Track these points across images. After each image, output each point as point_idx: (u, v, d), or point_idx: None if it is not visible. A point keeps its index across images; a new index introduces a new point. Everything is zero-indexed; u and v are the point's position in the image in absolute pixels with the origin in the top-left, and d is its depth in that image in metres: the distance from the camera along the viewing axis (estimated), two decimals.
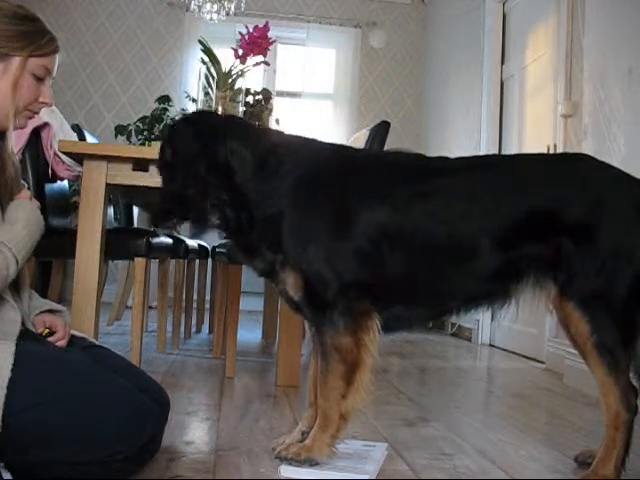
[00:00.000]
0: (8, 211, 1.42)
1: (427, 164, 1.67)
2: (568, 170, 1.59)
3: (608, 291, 1.48)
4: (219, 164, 1.55)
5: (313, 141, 1.67)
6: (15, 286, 1.45)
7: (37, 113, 1.52)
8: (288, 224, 1.53)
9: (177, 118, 1.71)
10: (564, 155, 1.82)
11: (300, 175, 1.56)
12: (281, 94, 5.93)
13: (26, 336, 1.41)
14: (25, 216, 1.42)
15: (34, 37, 1.41)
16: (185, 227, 4.89)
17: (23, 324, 1.44)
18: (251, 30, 2.86)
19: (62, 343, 1.53)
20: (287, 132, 1.69)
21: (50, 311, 1.57)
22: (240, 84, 2.91)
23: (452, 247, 1.53)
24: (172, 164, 1.59)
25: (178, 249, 3.26)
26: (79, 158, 2.48)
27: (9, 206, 1.43)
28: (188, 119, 1.65)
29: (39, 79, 1.44)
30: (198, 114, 1.71)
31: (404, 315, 1.61)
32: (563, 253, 1.50)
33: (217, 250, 3.13)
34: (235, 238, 1.63)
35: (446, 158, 1.69)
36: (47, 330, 1.52)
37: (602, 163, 1.62)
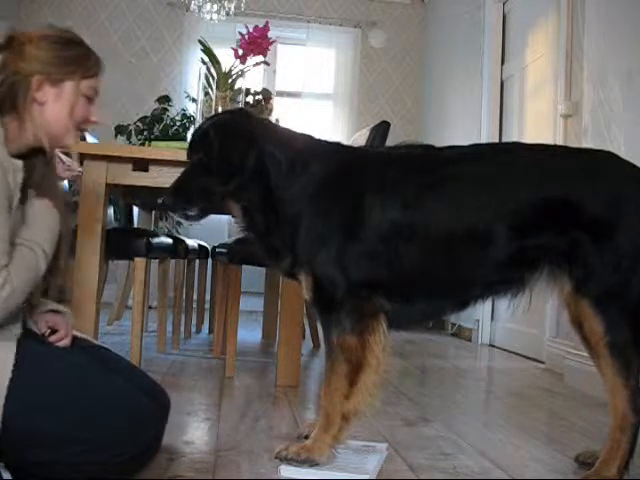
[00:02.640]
0: (30, 212, 1.43)
1: (438, 154, 1.65)
2: (590, 164, 1.58)
3: (624, 290, 1.48)
4: (259, 171, 1.55)
5: (334, 144, 1.68)
6: None
7: (85, 131, 1.54)
8: (303, 225, 1.54)
9: (222, 114, 1.72)
10: (588, 150, 1.81)
11: (319, 178, 1.57)
12: (281, 94, 5.93)
13: (28, 336, 1.41)
14: (47, 216, 1.44)
15: (83, 60, 1.45)
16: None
17: (25, 324, 1.44)
18: (251, 30, 2.86)
19: (65, 342, 1.53)
20: (314, 135, 1.69)
21: (52, 311, 1.57)
22: (240, 84, 2.91)
23: (469, 236, 1.52)
24: (213, 160, 1.58)
25: (178, 249, 3.26)
26: (79, 158, 2.48)
27: (31, 207, 1.44)
28: (234, 122, 1.64)
29: (89, 99, 1.48)
30: (243, 117, 1.70)
31: (426, 309, 1.61)
32: (580, 248, 1.49)
33: (217, 250, 3.13)
34: (261, 240, 1.64)
35: (458, 146, 1.68)
36: (49, 330, 1.53)
37: (626, 161, 1.61)
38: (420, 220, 1.52)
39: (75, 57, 1.43)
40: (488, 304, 4.10)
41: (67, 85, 1.42)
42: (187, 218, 1.66)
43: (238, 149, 1.56)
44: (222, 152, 1.57)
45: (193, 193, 1.61)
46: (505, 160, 1.59)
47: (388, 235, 1.51)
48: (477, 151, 1.66)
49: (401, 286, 1.55)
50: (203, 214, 1.65)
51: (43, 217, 1.43)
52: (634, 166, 1.60)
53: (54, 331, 1.53)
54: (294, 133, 1.69)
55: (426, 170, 1.58)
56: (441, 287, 1.60)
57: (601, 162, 1.60)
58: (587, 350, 1.58)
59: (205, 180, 1.59)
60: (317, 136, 1.70)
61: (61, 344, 1.51)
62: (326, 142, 1.68)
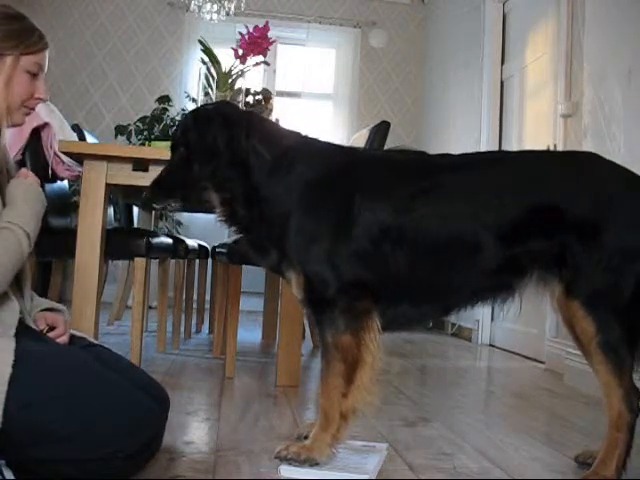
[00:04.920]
0: (7, 195, 1.44)
1: (429, 162, 1.67)
2: (574, 167, 1.59)
3: (614, 290, 1.48)
4: (239, 159, 1.56)
5: (322, 144, 1.68)
6: (16, 280, 1.46)
7: (33, 109, 1.55)
8: (293, 224, 1.54)
9: (202, 105, 1.74)
10: (571, 153, 1.83)
11: (309, 178, 1.57)
12: (281, 94, 5.93)
13: (28, 334, 1.41)
14: (22, 192, 1.45)
15: (24, 35, 1.45)
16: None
17: (24, 321, 1.45)
18: (251, 30, 2.85)
19: (63, 339, 1.54)
20: (303, 133, 1.69)
21: (50, 309, 1.58)
22: (240, 84, 2.91)
23: (455, 243, 1.53)
24: (191, 149, 1.59)
25: (178, 249, 3.26)
26: (79, 158, 2.48)
27: (7, 189, 1.45)
28: (214, 110, 1.66)
29: (33, 75, 1.48)
30: (224, 105, 1.73)
31: (410, 313, 1.61)
32: (568, 251, 1.50)
33: (217, 250, 3.14)
34: (245, 235, 1.64)
35: (449, 155, 1.69)
36: (48, 327, 1.54)
37: (609, 161, 1.62)
38: (409, 224, 1.52)
39: (16, 31, 1.44)
40: None
41: (7, 60, 1.43)
42: (169, 210, 1.69)
43: (212, 131, 1.57)
44: (198, 136, 1.58)
45: (174, 185, 1.63)
46: (492, 169, 1.60)
47: (377, 237, 1.51)
48: (466, 160, 1.67)
49: (387, 288, 1.55)
50: (184, 205, 1.67)
51: (22, 196, 1.44)
52: (616, 165, 1.62)
53: (52, 328, 1.54)
54: (282, 129, 1.69)
55: (418, 176, 1.60)
56: (426, 292, 1.60)
57: (583, 163, 1.61)
58: (581, 350, 1.58)
59: (186, 171, 1.60)
60: (309, 135, 1.70)
61: (59, 341, 1.53)
62: (317, 140, 1.68)
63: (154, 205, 1.68)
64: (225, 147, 1.55)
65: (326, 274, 1.51)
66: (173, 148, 1.67)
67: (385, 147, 2.88)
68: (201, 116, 1.64)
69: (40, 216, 1.47)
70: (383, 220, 1.52)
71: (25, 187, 1.46)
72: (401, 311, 1.59)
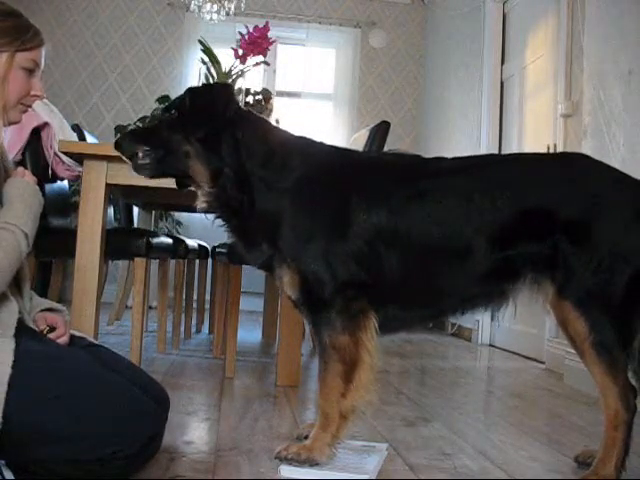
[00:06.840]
0: (4, 194, 1.44)
1: (424, 165, 1.67)
2: (564, 169, 1.59)
3: (605, 290, 1.48)
4: (233, 128, 1.56)
5: (317, 143, 1.68)
6: (15, 280, 1.46)
7: (30, 106, 1.54)
8: (287, 222, 1.54)
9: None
10: (561, 154, 1.84)
11: (303, 175, 1.57)
12: (281, 94, 5.93)
13: (27, 334, 1.41)
14: (18, 192, 1.44)
15: (19, 32, 1.45)
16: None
17: (23, 321, 1.45)
18: (251, 30, 2.85)
19: (64, 340, 1.54)
20: (294, 132, 1.69)
21: (50, 310, 1.57)
22: (240, 84, 2.91)
23: (446, 247, 1.54)
24: (184, 111, 1.57)
25: (178, 249, 3.26)
26: (79, 158, 2.48)
27: (4, 189, 1.45)
28: (212, 83, 1.65)
29: (30, 72, 1.48)
30: (217, 83, 1.73)
31: (400, 316, 1.62)
32: (560, 252, 1.50)
33: (217, 250, 3.14)
34: (234, 222, 1.61)
35: (443, 158, 1.70)
36: (48, 327, 1.53)
37: (599, 162, 1.63)
38: (402, 226, 1.53)
39: (12, 28, 1.44)
40: None
41: (2, 56, 1.43)
42: (136, 166, 1.58)
43: (210, 94, 1.59)
44: (194, 100, 1.57)
45: (153, 141, 1.57)
46: (484, 172, 1.61)
47: (372, 238, 1.52)
48: (459, 164, 1.68)
49: (379, 290, 1.55)
50: (155, 168, 1.58)
51: (19, 196, 1.43)
52: (607, 166, 1.62)
53: (52, 329, 1.53)
54: (274, 127, 1.70)
55: (413, 179, 1.60)
56: (417, 295, 1.61)
57: (575, 165, 1.62)
58: (575, 351, 1.58)
59: (170, 133, 1.56)
60: (302, 135, 1.70)
61: (60, 341, 1.52)
62: (313, 140, 1.68)
63: (120, 148, 1.59)
64: (222, 109, 1.55)
65: (323, 274, 1.50)
66: (164, 112, 1.64)
67: (390, 144, 2.88)
68: (197, 88, 1.66)
69: (38, 215, 1.46)
70: (378, 221, 1.52)
71: (22, 186, 1.46)
72: (392, 314, 1.59)
